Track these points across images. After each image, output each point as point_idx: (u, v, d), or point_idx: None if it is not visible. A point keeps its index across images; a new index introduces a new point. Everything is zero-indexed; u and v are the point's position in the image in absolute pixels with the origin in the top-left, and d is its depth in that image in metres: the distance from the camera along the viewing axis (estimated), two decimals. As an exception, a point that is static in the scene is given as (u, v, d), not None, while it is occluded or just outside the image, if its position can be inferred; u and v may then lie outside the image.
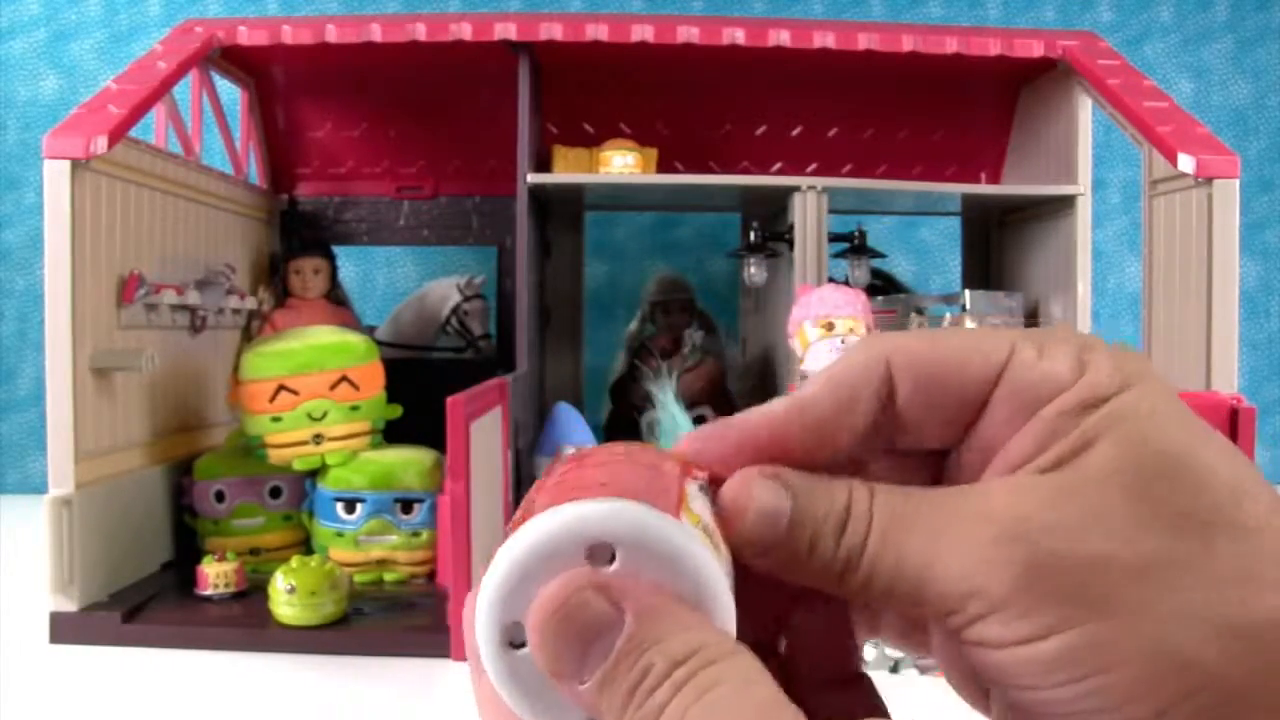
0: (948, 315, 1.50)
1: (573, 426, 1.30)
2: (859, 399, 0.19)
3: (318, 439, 1.24)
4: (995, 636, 0.17)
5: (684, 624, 0.16)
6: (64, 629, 1.05)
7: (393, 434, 1.31)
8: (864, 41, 1.38)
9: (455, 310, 1.68)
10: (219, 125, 1.51)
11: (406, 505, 1.24)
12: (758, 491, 0.19)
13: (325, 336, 1.27)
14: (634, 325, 1.74)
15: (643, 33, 1.35)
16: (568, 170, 1.43)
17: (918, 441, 0.20)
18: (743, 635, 0.17)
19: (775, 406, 0.20)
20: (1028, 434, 0.18)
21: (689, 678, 0.16)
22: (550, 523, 0.17)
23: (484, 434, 1.02)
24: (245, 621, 1.08)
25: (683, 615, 0.17)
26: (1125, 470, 0.17)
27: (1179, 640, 0.16)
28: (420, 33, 1.34)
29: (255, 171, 1.64)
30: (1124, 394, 0.18)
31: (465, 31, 1.34)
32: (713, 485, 0.20)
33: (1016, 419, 0.19)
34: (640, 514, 0.17)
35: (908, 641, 0.22)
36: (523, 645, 0.17)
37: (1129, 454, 0.17)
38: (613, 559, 0.17)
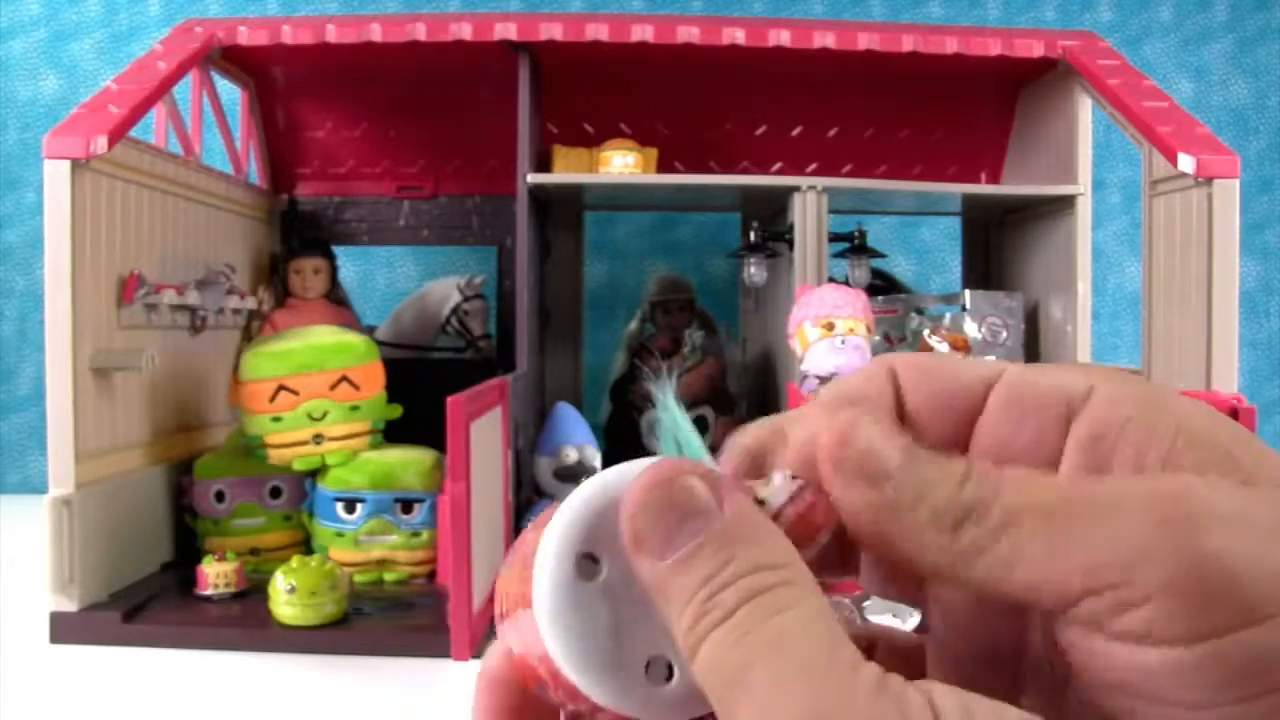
0: (947, 315, 1.50)
1: (573, 426, 1.30)
2: (876, 404, 0.20)
3: (318, 439, 1.24)
4: (1134, 628, 0.15)
5: (772, 538, 0.17)
6: (64, 629, 1.05)
7: (393, 434, 1.31)
8: (864, 42, 1.38)
9: (455, 310, 1.68)
10: (219, 125, 1.51)
11: (407, 505, 1.24)
12: (865, 430, 0.18)
13: (325, 336, 1.27)
14: (634, 325, 1.74)
15: (643, 33, 1.35)
16: (568, 170, 1.43)
17: (925, 443, 0.20)
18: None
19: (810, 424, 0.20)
20: (1079, 445, 0.18)
21: (763, 589, 0.16)
22: (637, 464, 0.18)
23: (484, 434, 1.02)
24: (245, 621, 1.08)
25: (773, 531, 0.17)
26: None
27: None
28: (420, 33, 1.34)
29: (255, 171, 1.64)
30: (1156, 394, 0.18)
31: (465, 31, 1.34)
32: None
33: (1026, 420, 0.19)
34: (712, 465, 0.17)
35: (898, 590, 0.21)
36: (591, 579, 0.17)
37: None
38: None
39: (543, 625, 0.17)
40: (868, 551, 0.19)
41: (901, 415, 0.20)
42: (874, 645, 0.22)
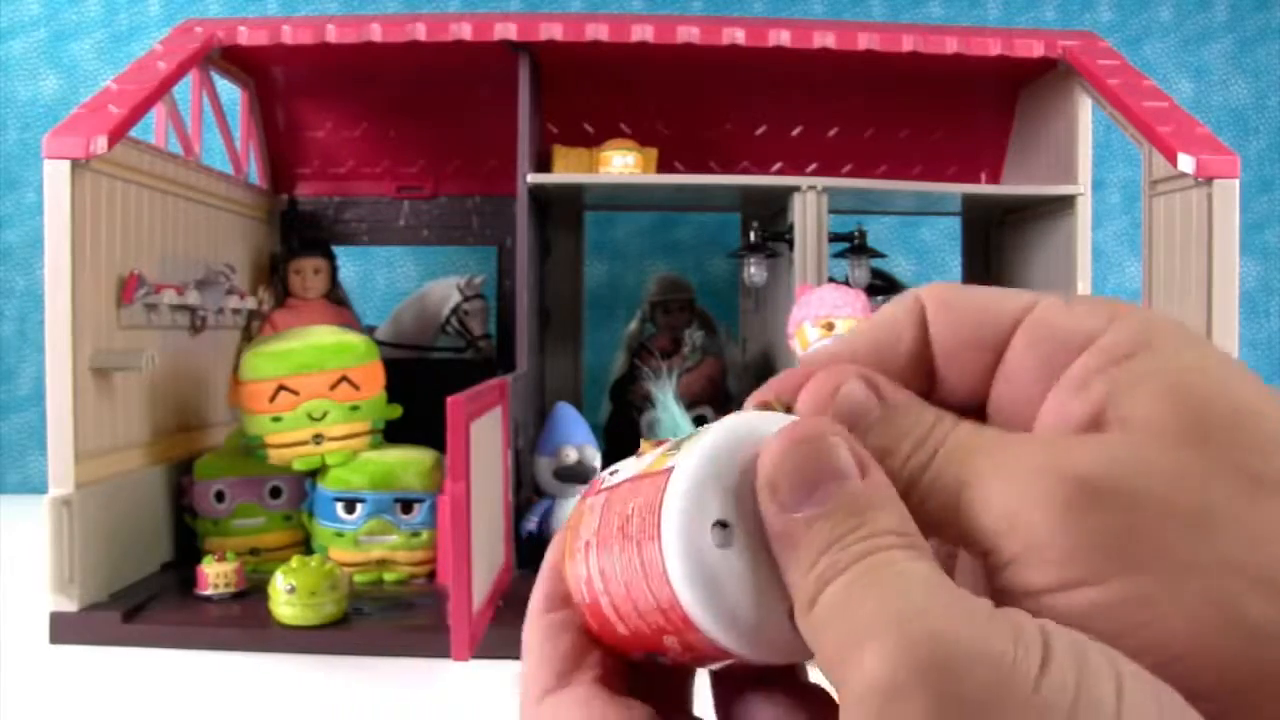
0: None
1: (573, 426, 1.30)
2: (899, 337, 0.20)
3: (318, 439, 1.24)
4: (1026, 582, 0.16)
5: (901, 509, 0.17)
6: (64, 629, 1.05)
7: (393, 434, 1.31)
8: (864, 42, 1.38)
9: (455, 310, 1.68)
10: (219, 125, 1.51)
11: (406, 505, 1.24)
12: (849, 386, 0.19)
13: (325, 336, 1.27)
14: (634, 325, 1.74)
15: (643, 33, 1.35)
16: (568, 170, 1.43)
17: (950, 389, 0.20)
18: None
19: (832, 349, 0.21)
20: (1066, 383, 0.18)
21: (887, 549, 0.16)
22: (761, 420, 0.19)
23: (484, 434, 1.02)
24: (245, 621, 1.08)
25: (901, 504, 0.17)
26: (1183, 419, 0.17)
27: (1226, 596, 0.15)
28: (420, 33, 1.34)
29: (255, 171, 1.64)
30: (1160, 343, 0.18)
31: (465, 31, 1.34)
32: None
33: (1043, 368, 0.19)
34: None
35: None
36: (726, 545, 0.18)
37: (1181, 405, 0.17)
38: None
39: (684, 596, 0.18)
40: None
41: (926, 350, 0.20)
42: None
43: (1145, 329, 0.18)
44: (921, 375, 0.20)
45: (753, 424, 0.19)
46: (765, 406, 0.20)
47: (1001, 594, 0.17)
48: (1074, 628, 0.16)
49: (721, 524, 0.18)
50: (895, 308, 0.20)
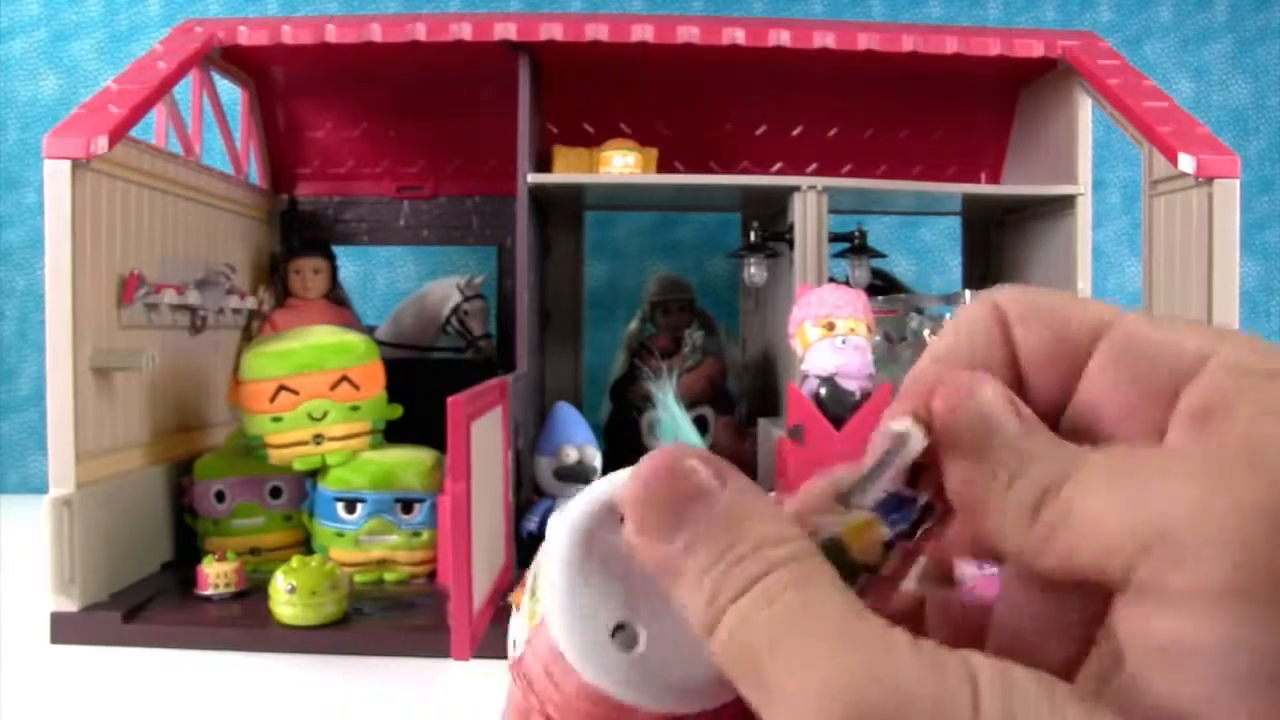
0: (948, 315, 1.50)
1: (573, 426, 1.30)
2: (991, 344, 0.19)
3: (318, 439, 1.24)
4: (1179, 586, 0.15)
5: (776, 513, 0.17)
6: (64, 629, 1.06)
7: (393, 434, 1.31)
8: (864, 41, 1.38)
9: (455, 310, 1.68)
10: (219, 125, 1.51)
11: (407, 505, 1.24)
12: (987, 392, 0.18)
13: (325, 336, 1.27)
14: (634, 325, 1.74)
15: (643, 33, 1.35)
16: (568, 170, 1.43)
17: (1033, 400, 0.19)
18: None
19: (937, 353, 0.20)
20: (1186, 417, 0.17)
21: (778, 563, 0.16)
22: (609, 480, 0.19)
23: (484, 434, 1.02)
24: (245, 621, 1.08)
25: (775, 507, 0.17)
26: None
27: None
28: (420, 33, 1.34)
29: (255, 171, 1.64)
30: None
31: (465, 31, 1.34)
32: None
33: (1132, 383, 0.18)
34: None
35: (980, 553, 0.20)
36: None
37: None
38: None
39: (629, 698, 0.18)
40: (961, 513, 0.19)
41: (1014, 358, 0.19)
42: (920, 609, 0.22)
43: (1256, 344, 0.17)
44: (1010, 384, 0.19)
45: (583, 504, 0.19)
46: (915, 419, 0.19)
47: (1134, 606, 0.15)
48: (1224, 627, 0.14)
49: (619, 627, 0.17)
50: (977, 315, 0.20)
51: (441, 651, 0.95)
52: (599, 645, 0.17)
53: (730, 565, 0.16)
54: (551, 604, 0.18)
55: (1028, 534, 0.17)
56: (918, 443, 0.18)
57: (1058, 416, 0.19)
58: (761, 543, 0.16)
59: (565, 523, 0.18)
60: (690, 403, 1.45)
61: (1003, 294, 0.20)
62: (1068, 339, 0.19)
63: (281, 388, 1.23)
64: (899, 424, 0.18)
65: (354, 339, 1.28)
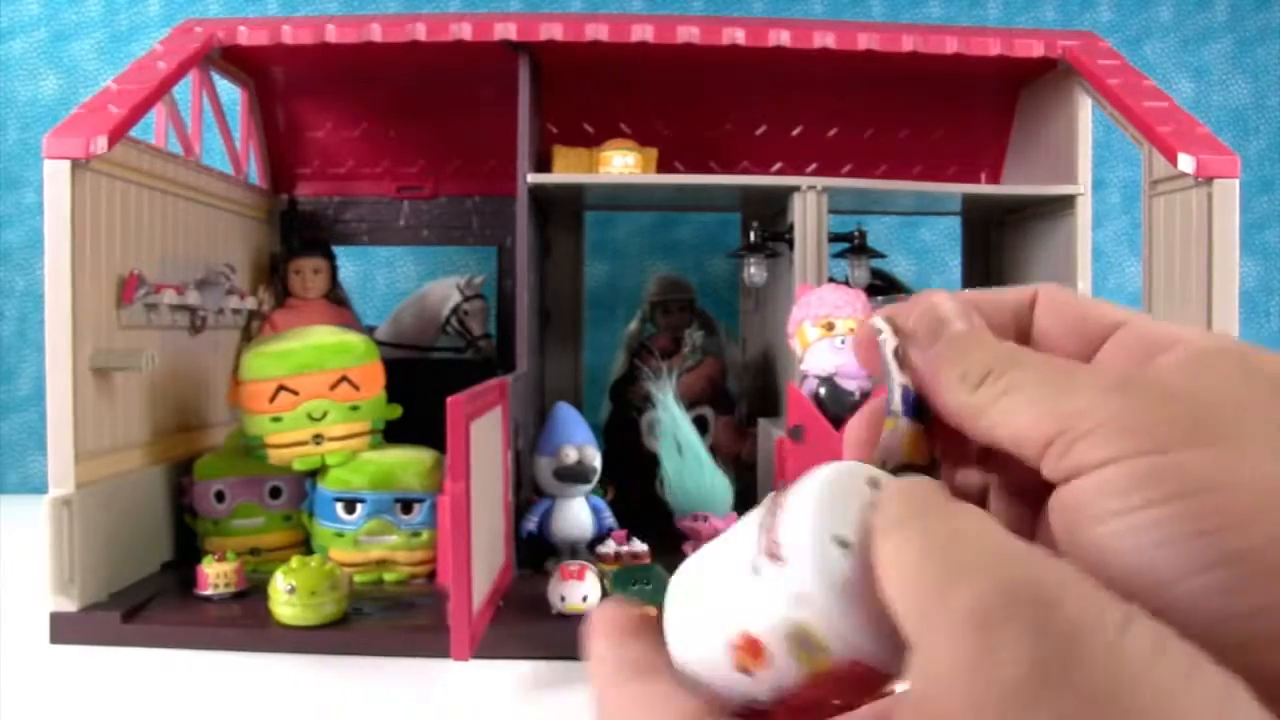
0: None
1: (573, 426, 1.29)
2: (1006, 304, 0.23)
3: (318, 439, 1.24)
4: (1086, 458, 0.18)
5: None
6: (64, 629, 1.06)
7: (393, 434, 1.31)
8: (864, 41, 1.38)
9: (455, 310, 1.68)
10: (219, 125, 1.51)
11: (406, 505, 1.24)
12: (942, 300, 0.23)
13: (325, 336, 1.27)
14: (634, 325, 1.74)
15: (643, 33, 1.35)
16: (568, 170, 1.43)
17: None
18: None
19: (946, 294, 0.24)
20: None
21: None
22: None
23: (484, 434, 1.02)
24: (245, 621, 1.08)
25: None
26: (1241, 367, 0.18)
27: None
28: (420, 33, 1.34)
29: (255, 171, 1.64)
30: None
31: (465, 31, 1.34)
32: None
33: (1129, 361, 0.21)
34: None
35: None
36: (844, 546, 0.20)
37: (1243, 366, 0.19)
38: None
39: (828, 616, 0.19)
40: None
41: (1026, 326, 0.23)
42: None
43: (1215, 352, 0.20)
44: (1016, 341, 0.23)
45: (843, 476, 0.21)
46: (886, 319, 0.24)
47: (1063, 484, 0.18)
48: (1115, 496, 0.17)
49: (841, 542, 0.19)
50: (1016, 291, 0.24)
51: (441, 651, 0.95)
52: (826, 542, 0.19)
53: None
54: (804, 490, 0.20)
55: (966, 404, 0.20)
56: (889, 336, 0.23)
57: None
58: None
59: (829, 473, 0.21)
60: (690, 403, 1.45)
61: (1045, 285, 0.23)
62: (1086, 324, 0.22)
63: (281, 388, 1.23)
64: (875, 322, 0.23)
65: (354, 339, 1.28)
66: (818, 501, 0.19)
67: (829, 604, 0.18)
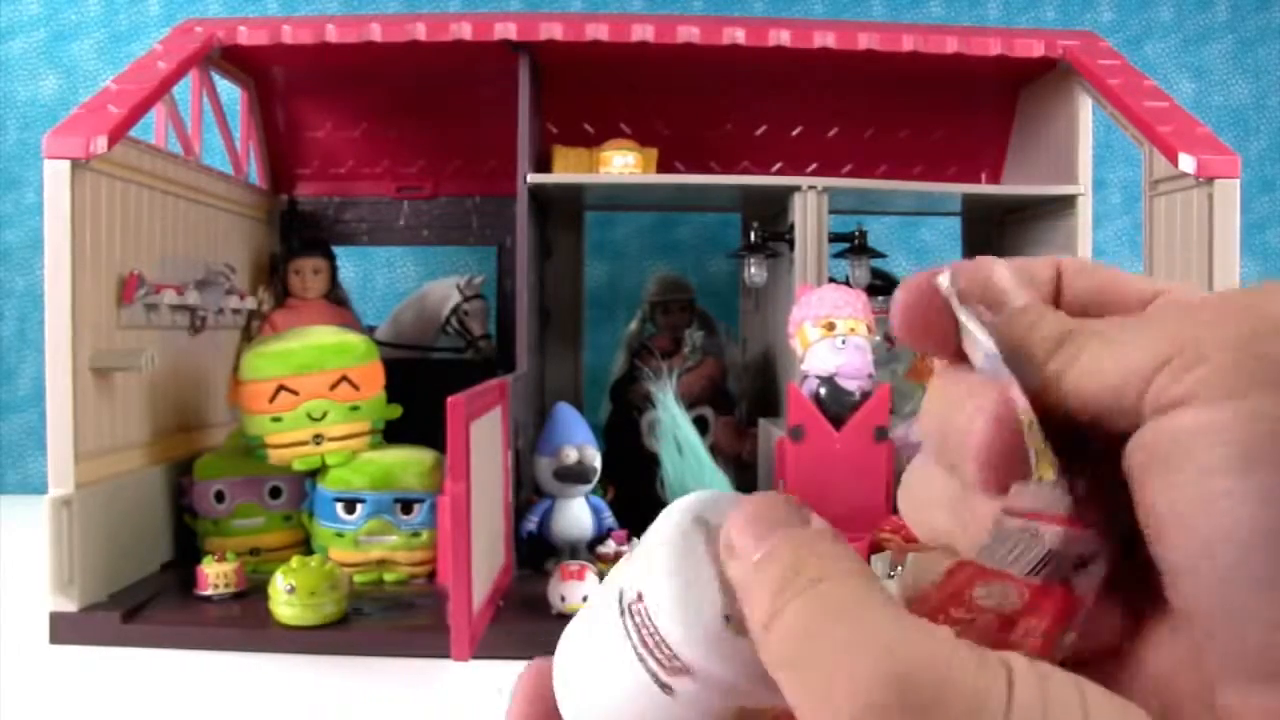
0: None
1: (573, 426, 1.29)
2: (1036, 274, 0.21)
3: (318, 439, 1.24)
4: (1182, 393, 0.15)
5: (849, 551, 0.18)
6: (64, 629, 1.05)
7: (393, 434, 1.31)
8: (864, 41, 1.37)
9: (455, 310, 1.68)
10: (219, 125, 1.51)
11: (406, 505, 1.23)
12: (1000, 269, 0.20)
13: (325, 336, 1.27)
14: (634, 325, 1.74)
15: (643, 32, 1.35)
16: (568, 170, 1.43)
17: None
18: None
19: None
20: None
21: (844, 574, 0.17)
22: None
23: (484, 434, 1.02)
24: (245, 621, 1.08)
25: (849, 548, 0.18)
26: None
27: None
28: (420, 32, 1.34)
29: (255, 171, 1.64)
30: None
31: (465, 31, 1.34)
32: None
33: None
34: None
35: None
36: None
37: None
38: None
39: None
40: None
41: (1055, 297, 0.21)
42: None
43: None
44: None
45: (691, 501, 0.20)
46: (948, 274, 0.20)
47: (1154, 433, 0.16)
48: (1211, 435, 0.15)
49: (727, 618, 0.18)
50: (1033, 260, 0.21)
51: (441, 651, 0.95)
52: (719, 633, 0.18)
53: (795, 575, 0.17)
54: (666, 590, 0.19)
55: (1048, 367, 0.18)
56: (952, 285, 0.20)
57: None
58: (831, 556, 0.17)
59: (675, 512, 0.20)
60: (690, 403, 1.45)
61: (1064, 257, 0.21)
62: (1114, 297, 0.20)
63: (281, 388, 1.23)
64: (941, 280, 0.20)
65: (354, 339, 1.28)
66: (685, 584, 0.18)
67: (752, 685, 0.18)
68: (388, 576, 1.24)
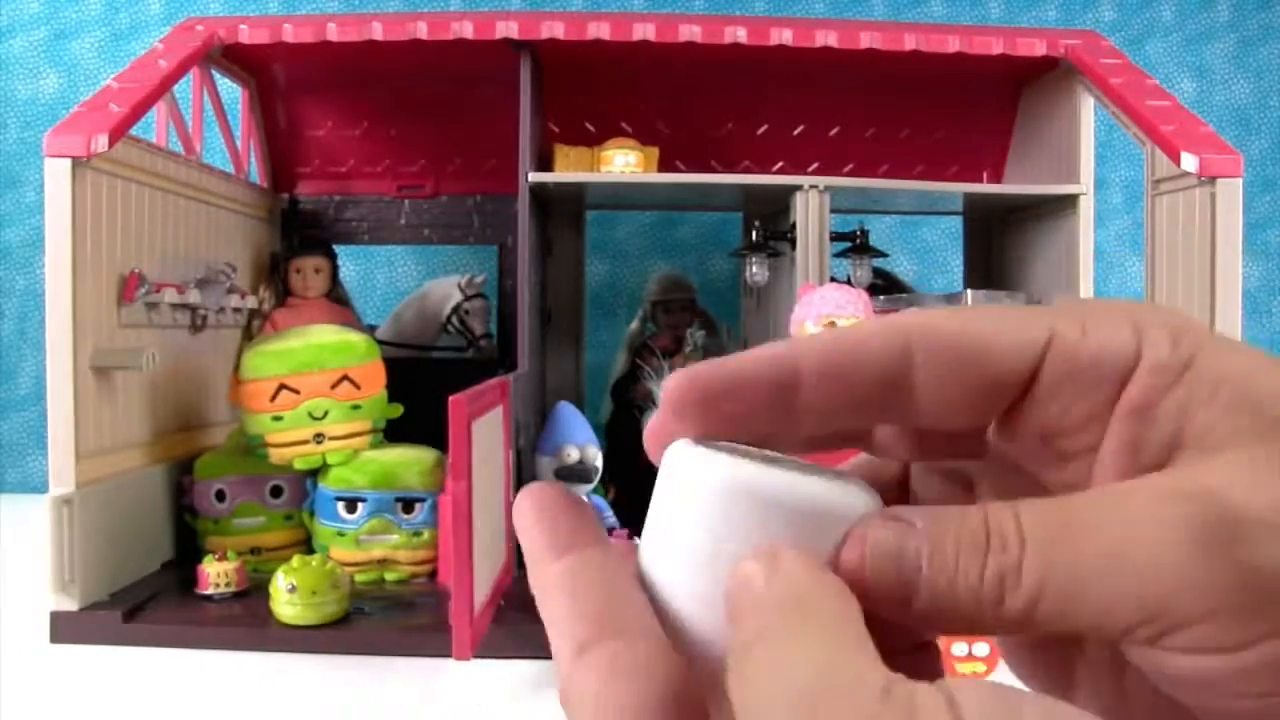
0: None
1: (574, 426, 1.29)
2: (861, 368, 0.18)
3: (319, 438, 1.23)
4: (1190, 643, 0.15)
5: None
6: (64, 628, 1.05)
7: (394, 433, 1.31)
8: (866, 40, 1.37)
9: (456, 309, 1.68)
10: (220, 124, 1.51)
11: (407, 504, 1.23)
12: (872, 533, 0.17)
13: (326, 336, 1.27)
14: (635, 324, 1.74)
15: (644, 31, 1.35)
16: (569, 169, 1.43)
17: (937, 421, 0.18)
18: None
19: (766, 354, 0.18)
20: (1127, 413, 0.17)
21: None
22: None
23: (485, 433, 1.02)
24: (246, 621, 1.08)
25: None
26: (1265, 426, 0.16)
27: None
28: (421, 31, 1.34)
29: (256, 170, 1.64)
30: (1204, 350, 0.17)
31: (467, 30, 1.34)
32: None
33: (1079, 402, 0.17)
34: None
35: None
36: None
37: (1259, 413, 0.16)
38: None
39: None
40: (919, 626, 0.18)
41: (904, 383, 0.18)
42: None
43: (1178, 337, 0.17)
44: (890, 408, 0.18)
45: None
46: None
47: (1145, 651, 0.16)
48: (1235, 681, 0.15)
49: None
50: (869, 336, 0.18)
51: (442, 651, 0.95)
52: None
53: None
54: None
55: (1004, 622, 0.16)
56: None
57: (971, 431, 0.19)
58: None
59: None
60: (691, 402, 1.44)
61: (917, 331, 0.18)
62: (999, 370, 0.18)
63: (282, 387, 1.23)
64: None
65: (355, 338, 1.28)
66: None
67: None
68: (389, 576, 1.24)
